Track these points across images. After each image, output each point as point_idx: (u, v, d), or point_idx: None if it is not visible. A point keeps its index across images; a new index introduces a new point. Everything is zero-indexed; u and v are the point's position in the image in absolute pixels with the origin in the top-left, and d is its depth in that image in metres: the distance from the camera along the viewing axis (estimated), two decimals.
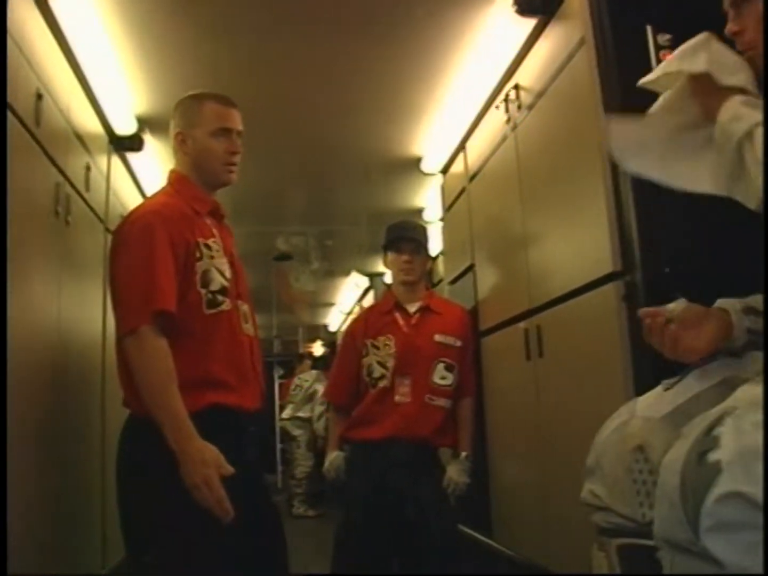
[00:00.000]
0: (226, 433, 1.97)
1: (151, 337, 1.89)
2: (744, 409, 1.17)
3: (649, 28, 2.19)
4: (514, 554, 2.98)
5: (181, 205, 2.10)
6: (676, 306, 1.54)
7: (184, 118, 2.20)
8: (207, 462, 1.83)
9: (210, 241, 2.09)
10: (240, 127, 2.20)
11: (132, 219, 2.07)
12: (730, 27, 1.50)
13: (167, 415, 1.85)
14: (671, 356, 1.50)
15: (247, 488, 1.98)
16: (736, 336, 1.49)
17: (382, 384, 3.03)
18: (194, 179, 2.19)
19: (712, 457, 1.12)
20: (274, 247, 6.49)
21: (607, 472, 1.52)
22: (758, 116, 1.35)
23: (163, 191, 2.21)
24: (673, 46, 2.15)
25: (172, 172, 2.24)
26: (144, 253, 1.95)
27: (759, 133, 1.32)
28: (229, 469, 1.85)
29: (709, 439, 1.15)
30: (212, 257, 2.07)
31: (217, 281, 2.06)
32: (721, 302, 1.56)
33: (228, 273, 2.11)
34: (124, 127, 3.51)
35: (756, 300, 1.54)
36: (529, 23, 2.70)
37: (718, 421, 1.17)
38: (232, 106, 2.20)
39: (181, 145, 2.18)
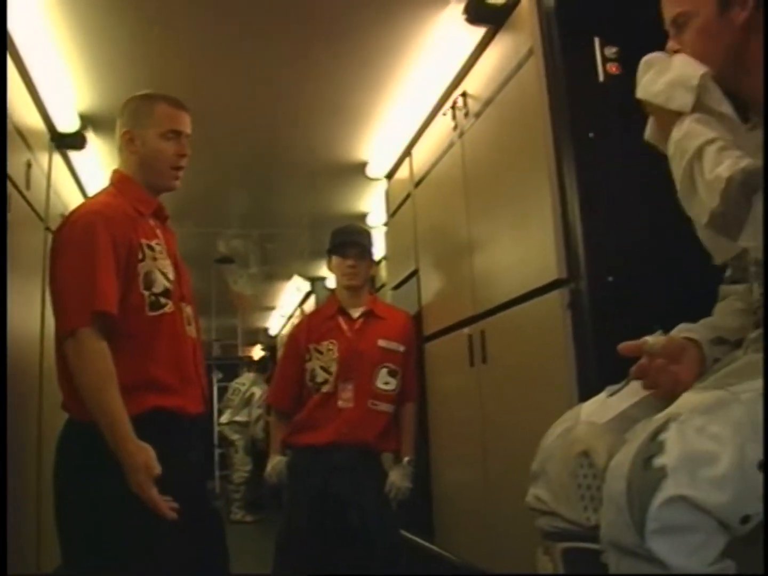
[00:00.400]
0: (169, 437, 1.95)
1: (91, 339, 1.86)
2: (687, 415, 1.19)
3: (596, 41, 2.23)
4: (456, 559, 2.99)
5: (123, 205, 2.07)
6: (657, 340, 1.50)
7: (133, 117, 2.16)
8: (137, 467, 1.81)
9: (153, 243, 2.07)
10: (189, 130, 2.18)
11: (73, 219, 2.02)
12: (670, 45, 1.55)
13: (105, 417, 1.83)
14: (665, 396, 1.44)
15: (189, 493, 1.97)
16: (706, 369, 1.48)
17: (325, 389, 3.03)
18: (138, 180, 2.15)
19: (658, 462, 1.15)
20: (215, 249, 6.43)
21: (552, 477, 1.54)
22: (710, 134, 1.36)
23: (105, 191, 2.17)
24: (619, 58, 2.20)
25: (115, 172, 2.20)
26: (85, 254, 1.92)
27: (709, 150, 1.33)
28: (157, 469, 1.83)
29: (654, 445, 1.17)
30: (155, 259, 2.05)
31: (160, 283, 2.03)
32: (687, 331, 1.54)
33: (171, 275, 2.08)
34: (67, 124, 3.44)
35: (721, 326, 1.56)
36: (479, 32, 2.72)
37: (663, 426, 1.19)
38: (184, 109, 2.18)
39: (128, 144, 2.15)
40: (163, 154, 2.13)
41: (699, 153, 1.34)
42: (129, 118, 2.17)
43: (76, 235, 1.96)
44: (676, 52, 1.53)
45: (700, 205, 1.34)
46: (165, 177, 2.16)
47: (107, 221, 1.97)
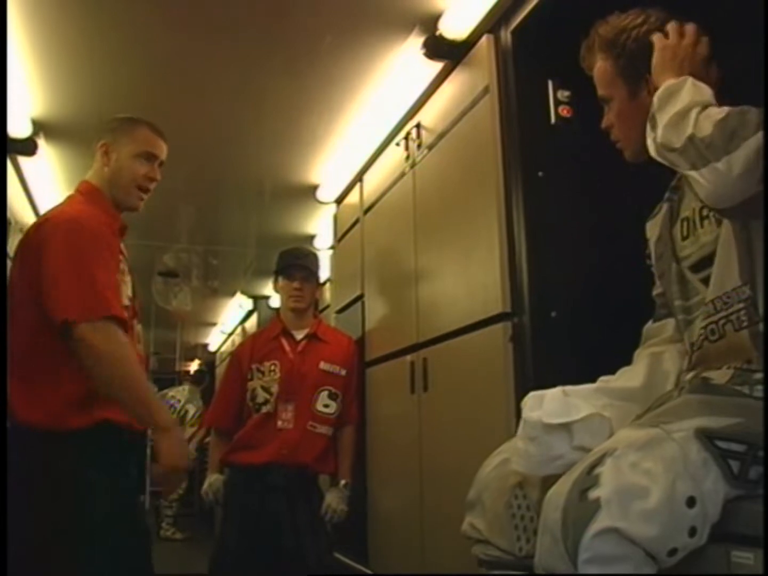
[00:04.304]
0: (115, 451, 1.97)
1: (109, 329, 1.89)
2: (623, 451, 1.24)
3: (550, 84, 2.30)
4: None
5: (99, 215, 2.09)
6: None
7: (114, 132, 2.20)
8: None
9: (120, 258, 2.10)
10: (164, 157, 2.24)
11: (54, 222, 2.01)
12: (603, 122, 1.68)
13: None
14: None
15: (126, 507, 1.97)
16: None
17: (265, 409, 3.04)
18: (105, 194, 2.18)
19: (593, 494, 1.19)
20: (155, 262, 6.36)
21: (487, 507, 1.58)
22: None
23: (74, 200, 2.17)
24: (572, 102, 2.28)
25: (84, 182, 2.21)
26: (79, 253, 1.93)
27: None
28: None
29: (590, 478, 1.22)
30: (123, 273, 2.07)
31: (122, 298, 2.04)
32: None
33: (130, 291, 2.11)
34: (18, 129, 3.39)
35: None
36: (436, 66, 2.77)
37: (599, 460, 1.24)
38: (163, 138, 2.24)
39: (103, 157, 2.18)
40: (134, 173, 2.17)
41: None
42: (109, 132, 2.21)
43: (58, 238, 1.94)
44: (607, 128, 1.66)
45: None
46: (130, 195, 2.19)
47: (98, 228, 2.01)
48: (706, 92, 1.40)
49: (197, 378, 8.51)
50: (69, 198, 2.20)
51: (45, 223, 2.04)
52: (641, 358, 1.70)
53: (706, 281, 1.53)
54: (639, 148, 1.58)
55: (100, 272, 1.92)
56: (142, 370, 1.95)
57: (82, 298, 1.88)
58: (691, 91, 1.40)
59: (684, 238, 1.61)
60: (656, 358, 1.68)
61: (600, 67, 1.63)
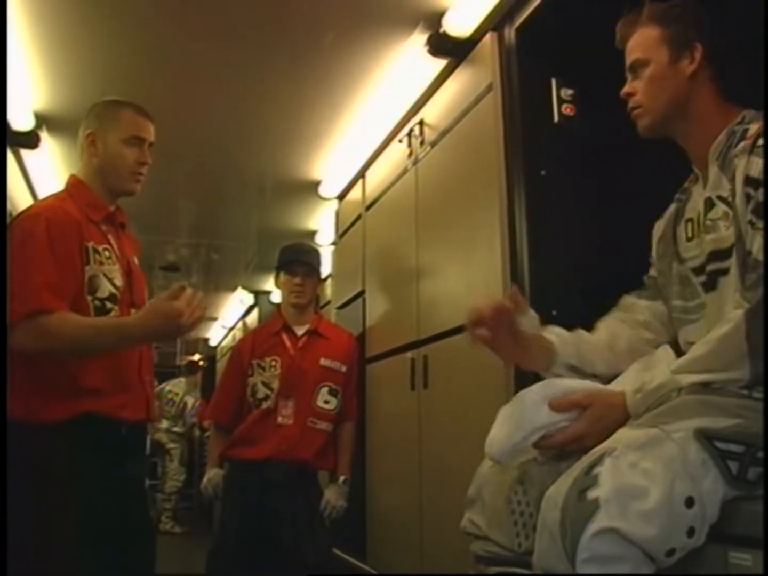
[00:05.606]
0: (105, 443, 1.95)
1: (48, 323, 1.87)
2: (621, 450, 1.24)
3: (554, 82, 2.30)
4: None
5: (70, 209, 2.05)
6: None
7: (98, 120, 2.16)
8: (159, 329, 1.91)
9: (100, 248, 2.05)
10: (152, 138, 2.19)
11: (16, 222, 2.02)
12: (625, 89, 1.64)
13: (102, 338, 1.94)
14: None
15: (123, 504, 1.96)
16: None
17: (265, 405, 3.04)
18: (96, 184, 2.15)
19: (591, 494, 1.19)
20: (157, 257, 6.35)
21: (487, 503, 1.57)
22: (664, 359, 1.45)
23: (55, 195, 2.17)
24: (575, 101, 2.28)
25: (71, 177, 2.19)
26: (19, 255, 1.90)
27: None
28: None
29: (589, 478, 1.21)
30: (101, 263, 2.03)
31: (105, 288, 2.02)
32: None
33: (119, 280, 2.07)
34: (21, 122, 3.40)
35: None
36: (440, 63, 2.78)
37: (598, 460, 1.24)
38: (149, 118, 2.19)
39: (90, 147, 2.14)
40: (124, 160, 2.13)
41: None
42: (94, 120, 2.16)
43: (15, 238, 1.94)
44: (627, 95, 1.63)
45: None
46: (124, 182, 2.16)
47: (48, 223, 1.95)
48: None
49: (190, 368, 8.51)
50: (54, 194, 2.19)
51: (9, 226, 2.03)
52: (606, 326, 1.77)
53: (704, 285, 1.54)
54: (657, 118, 1.59)
55: (35, 270, 1.90)
56: (86, 322, 1.94)
57: (14, 301, 1.86)
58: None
59: (689, 239, 1.61)
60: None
61: (643, 32, 1.61)
